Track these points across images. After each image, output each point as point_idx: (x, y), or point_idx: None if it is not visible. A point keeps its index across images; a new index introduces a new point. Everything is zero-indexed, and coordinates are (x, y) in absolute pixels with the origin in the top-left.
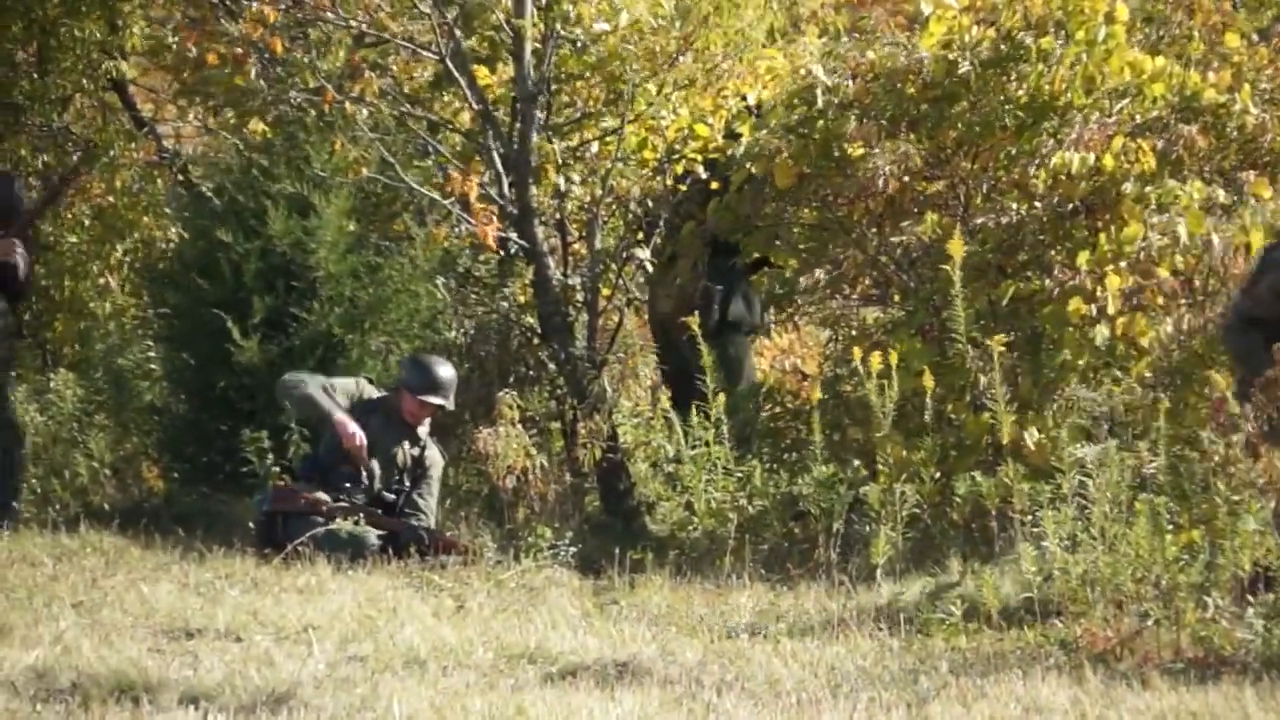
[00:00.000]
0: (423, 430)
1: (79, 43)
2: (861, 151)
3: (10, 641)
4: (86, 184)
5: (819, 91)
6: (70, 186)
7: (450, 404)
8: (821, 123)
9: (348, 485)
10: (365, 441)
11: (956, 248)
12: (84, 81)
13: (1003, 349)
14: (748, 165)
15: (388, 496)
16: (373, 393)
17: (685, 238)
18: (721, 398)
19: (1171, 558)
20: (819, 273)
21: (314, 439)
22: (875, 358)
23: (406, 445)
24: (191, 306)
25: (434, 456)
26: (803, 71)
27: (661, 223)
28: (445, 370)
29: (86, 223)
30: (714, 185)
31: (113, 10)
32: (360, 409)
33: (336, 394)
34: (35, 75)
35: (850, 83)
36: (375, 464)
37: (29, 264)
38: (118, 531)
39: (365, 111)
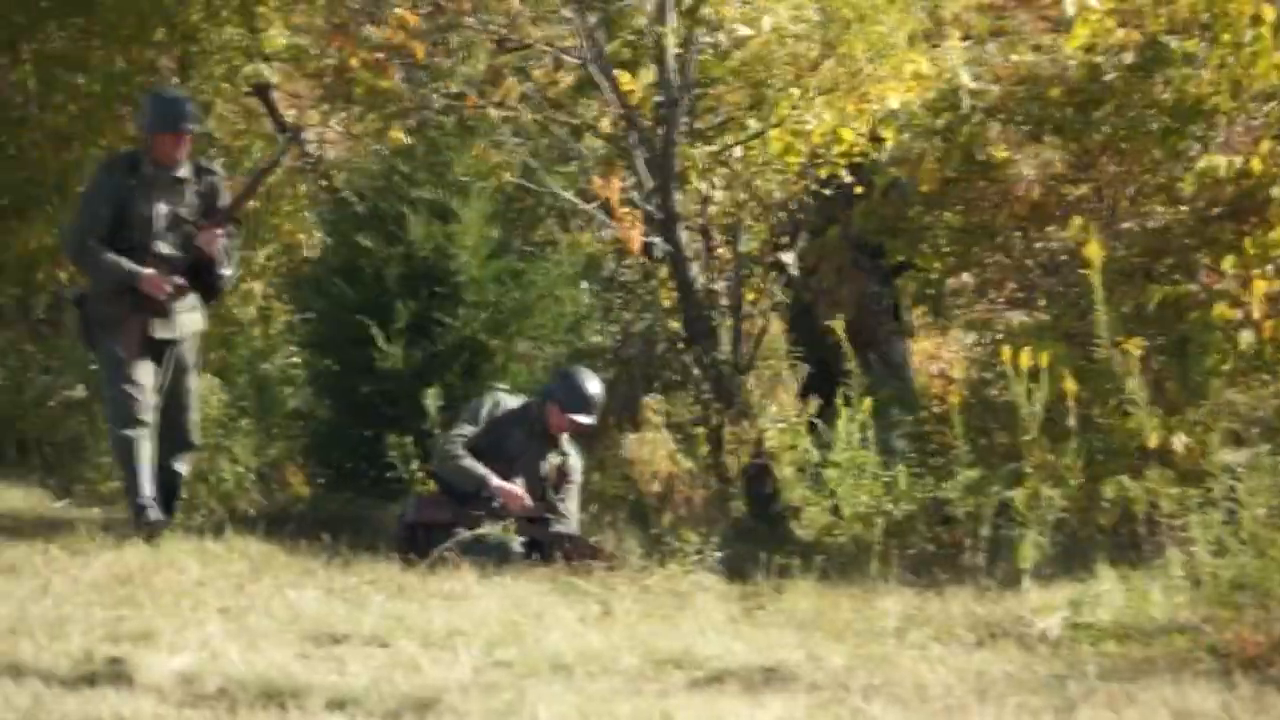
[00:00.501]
0: (565, 439)
1: (220, 48)
2: (1005, 155)
3: (157, 647)
4: (229, 189)
5: (963, 95)
6: (268, 176)
7: (595, 421)
8: (965, 127)
9: (486, 495)
10: (530, 501)
11: (1094, 251)
12: (225, 86)
13: (1141, 352)
14: (891, 169)
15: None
16: (510, 403)
17: (829, 242)
18: (867, 402)
19: None
20: (966, 276)
21: None
22: (1022, 360)
23: (551, 457)
24: (335, 312)
25: (575, 462)
26: (947, 76)
27: (801, 227)
28: (596, 387)
29: None
30: (858, 190)
31: (252, 14)
32: (500, 424)
33: (476, 422)
34: (177, 81)
35: (994, 87)
36: (520, 481)
37: (230, 258)
38: (263, 537)
39: (504, 116)
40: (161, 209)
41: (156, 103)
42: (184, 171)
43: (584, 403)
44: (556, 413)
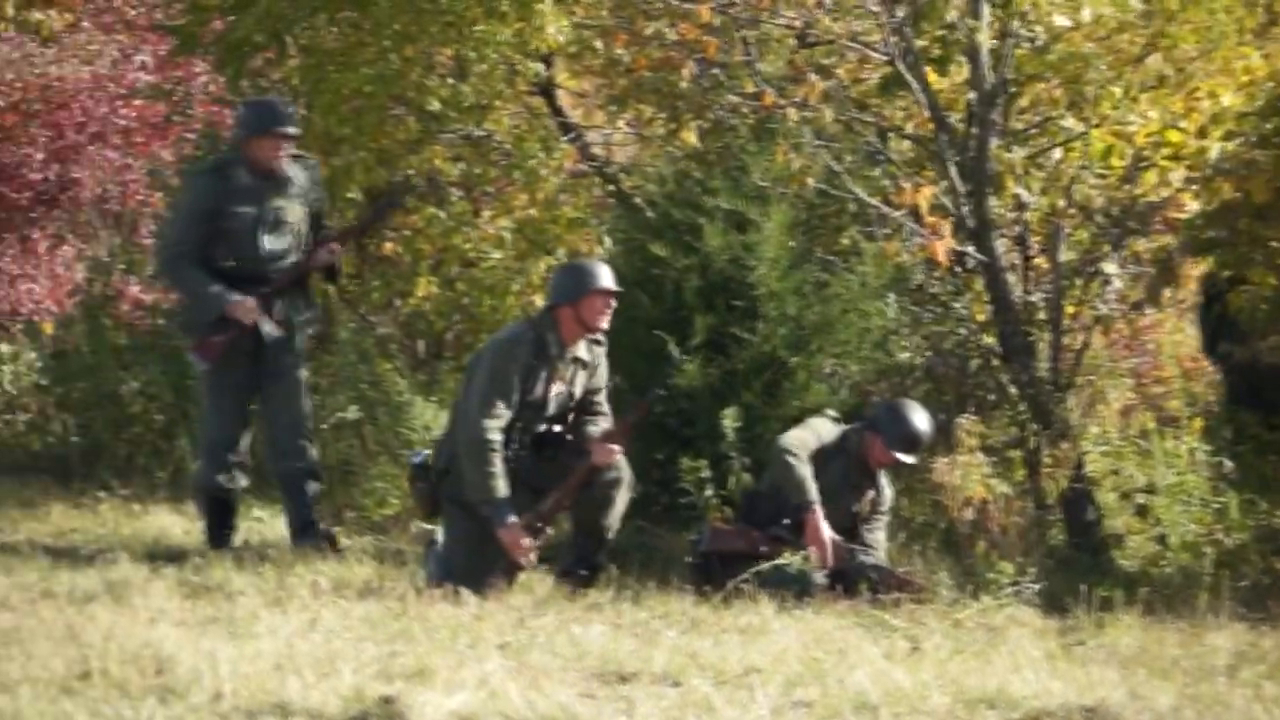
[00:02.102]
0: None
1: (498, 45)
2: None
3: (433, 684)
4: (509, 195)
5: None
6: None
7: (919, 460)
8: None
9: (789, 523)
10: (831, 558)
11: None
12: (503, 87)
13: None
14: (1219, 180)
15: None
16: (831, 431)
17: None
18: (1197, 423)
19: None
20: None
21: (757, 470)
22: None
23: (867, 493)
24: (625, 326)
25: (888, 492)
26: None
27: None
28: (925, 424)
29: (509, 237)
30: (1188, 198)
31: (532, 10)
32: (822, 455)
33: (818, 441)
34: (452, 80)
35: None
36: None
37: None
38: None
39: (800, 117)
40: (555, 390)
41: (574, 271)
42: (583, 350)
43: (911, 440)
44: (879, 447)
